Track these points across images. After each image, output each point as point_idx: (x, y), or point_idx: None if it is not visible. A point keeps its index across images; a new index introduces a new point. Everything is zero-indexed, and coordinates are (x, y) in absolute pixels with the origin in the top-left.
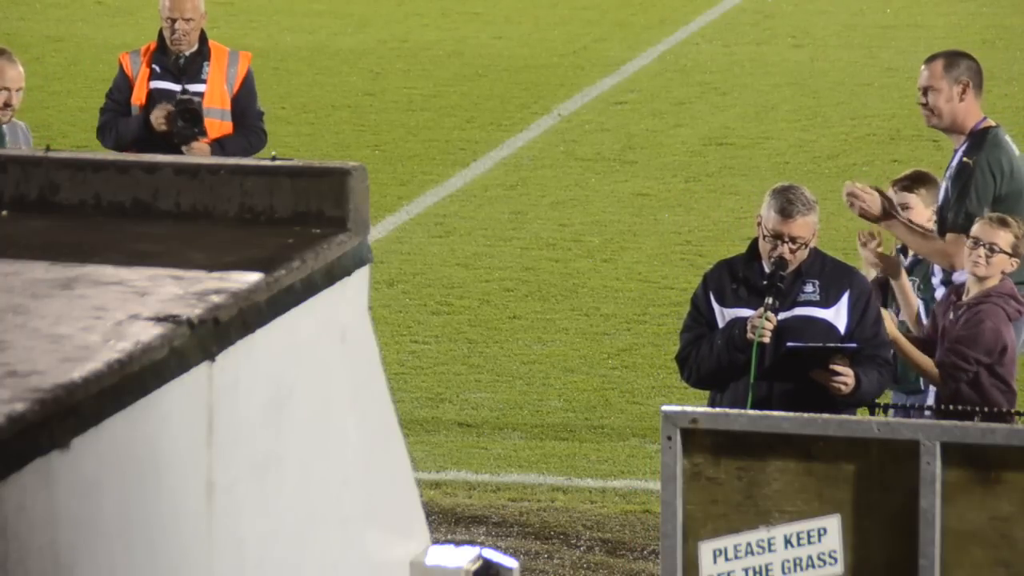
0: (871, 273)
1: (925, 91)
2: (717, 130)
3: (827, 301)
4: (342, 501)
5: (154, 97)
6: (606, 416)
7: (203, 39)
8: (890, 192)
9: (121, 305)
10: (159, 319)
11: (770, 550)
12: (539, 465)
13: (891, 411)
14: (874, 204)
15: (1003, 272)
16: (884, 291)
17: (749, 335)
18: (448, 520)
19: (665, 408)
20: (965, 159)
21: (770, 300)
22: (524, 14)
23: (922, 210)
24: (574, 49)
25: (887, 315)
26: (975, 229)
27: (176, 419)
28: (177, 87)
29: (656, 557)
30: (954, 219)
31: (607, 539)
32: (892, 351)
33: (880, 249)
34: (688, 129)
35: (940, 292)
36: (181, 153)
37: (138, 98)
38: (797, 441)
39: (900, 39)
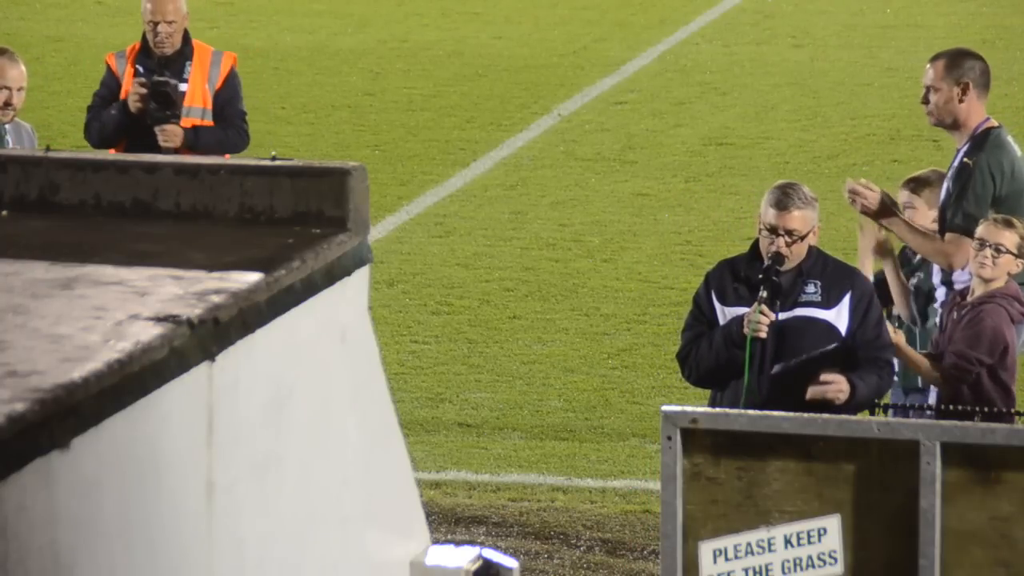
0: (867, 269)
1: (927, 90)
2: (717, 130)
3: (828, 302)
4: (342, 501)
5: None
6: (606, 416)
7: (186, 39)
8: (902, 193)
9: (121, 305)
10: (159, 319)
11: (770, 550)
12: (539, 465)
13: (891, 411)
14: (875, 201)
15: (1009, 273)
16: (884, 293)
17: (745, 330)
18: (448, 520)
19: (665, 408)
20: (966, 159)
21: (764, 294)
22: (524, 14)
23: (926, 211)
24: (574, 49)
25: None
26: (980, 230)
27: (176, 419)
28: None
29: (656, 557)
30: (952, 219)
31: (607, 539)
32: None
33: (882, 234)
34: (688, 129)
35: (941, 292)
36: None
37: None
38: (797, 441)
39: (900, 39)
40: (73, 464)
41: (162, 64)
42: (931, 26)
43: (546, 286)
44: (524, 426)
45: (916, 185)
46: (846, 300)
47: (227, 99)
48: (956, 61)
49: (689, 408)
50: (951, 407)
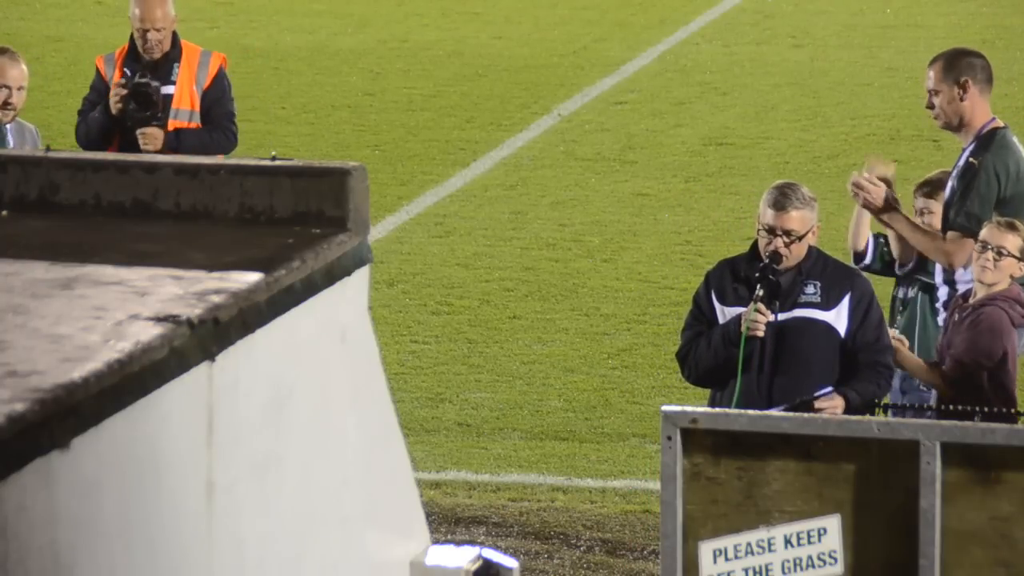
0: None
1: (931, 95)
2: (717, 130)
3: (828, 303)
4: (342, 501)
5: None
6: (606, 416)
7: (175, 41)
8: (917, 199)
9: (121, 305)
10: (159, 319)
11: (770, 550)
12: (539, 465)
13: (891, 411)
14: (878, 196)
15: (1011, 277)
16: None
17: (741, 329)
18: (448, 520)
19: (665, 408)
20: (971, 159)
21: (760, 293)
22: (524, 14)
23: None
24: (574, 49)
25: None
26: (983, 233)
27: (176, 419)
28: None
29: (656, 557)
30: (955, 218)
31: (607, 539)
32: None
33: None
34: (688, 129)
35: (942, 291)
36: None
37: None
38: (797, 441)
39: (900, 39)
40: (73, 464)
41: (150, 67)
42: (931, 26)
43: (546, 286)
44: (524, 426)
45: (931, 189)
46: (846, 301)
47: (215, 99)
48: (953, 61)
49: (689, 408)
50: (951, 407)
